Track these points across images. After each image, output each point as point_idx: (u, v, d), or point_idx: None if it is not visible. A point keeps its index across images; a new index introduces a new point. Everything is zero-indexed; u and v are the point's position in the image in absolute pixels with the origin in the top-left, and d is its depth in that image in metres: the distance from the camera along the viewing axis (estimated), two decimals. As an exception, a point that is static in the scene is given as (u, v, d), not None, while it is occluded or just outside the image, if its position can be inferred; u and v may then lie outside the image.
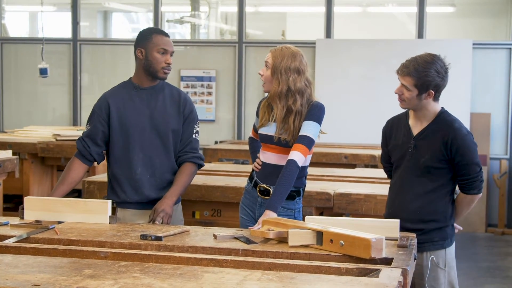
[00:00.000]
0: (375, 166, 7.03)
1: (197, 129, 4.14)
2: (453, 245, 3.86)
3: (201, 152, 4.19)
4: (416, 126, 3.84)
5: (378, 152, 7.28)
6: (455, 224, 3.91)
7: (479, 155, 3.86)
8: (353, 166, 7.08)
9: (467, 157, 3.71)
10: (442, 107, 3.83)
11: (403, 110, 3.93)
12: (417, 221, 3.72)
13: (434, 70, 3.66)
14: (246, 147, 7.87)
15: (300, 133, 3.83)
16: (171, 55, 4.01)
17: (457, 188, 3.87)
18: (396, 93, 3.77)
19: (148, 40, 3.97)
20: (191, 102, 4.16)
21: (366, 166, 7.10)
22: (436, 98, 3.76)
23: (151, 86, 4.04)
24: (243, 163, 7.00)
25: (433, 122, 3.79)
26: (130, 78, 4.11)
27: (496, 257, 7.81)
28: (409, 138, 3.83)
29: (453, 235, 3.86)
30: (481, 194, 3.82)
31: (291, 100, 3.88)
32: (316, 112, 3.88)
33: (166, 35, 4.03)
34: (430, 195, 3.78)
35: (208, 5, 11.15)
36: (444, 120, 3.78)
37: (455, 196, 3.90)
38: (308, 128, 3.83)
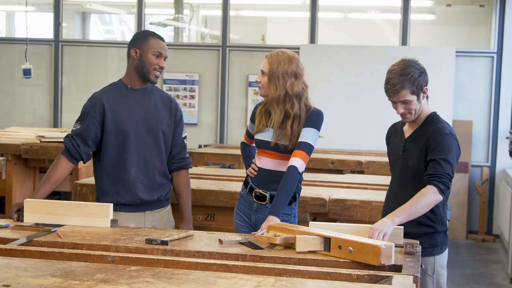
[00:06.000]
0: (361, 172, 7.04)
1: (185, 134, 4.21)
2: (445, 252, 3.83)
3: None
4: (408, 130, 3.89)
5: (364, 158, 7.31)
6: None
7: (461, 162, 3.82)
8: (339, 171, 7.06)
9: (442, 153, 3.60)
10: (434, 111, 3.86)
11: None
12: (406, 225, 3.70)
13: (415, 69, 3.70)
14: (232, 151, 7.95)
15: (301, 140, 3.83)
16: (165, 60, 4.03)
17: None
18: (401, 113, 3.76)
19: (144, 42, 3.98)
20: (180, 108, 4.24)
21: (353, 171, 7.10)
22: (427, 96, 3.80)
23: (142, 88, 4.05)
24: (229, 167, 6.96)
25: (422, 124, 3.82)
26: (120, 79, 4.09)
27: (479, 264, 7.86)
28: (401, 142, 3.87)
29: (444, 243, 3.83)
30: (440, 198, 3.56)
31: (289, 105, 3.89)
32: (316, 119, 3.90)
33: (163, 39, 4.07)
34: None
35: (190, 8, 11.11)
36: (430, 121, 3.81)
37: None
38: (309, 135, 3.84)
